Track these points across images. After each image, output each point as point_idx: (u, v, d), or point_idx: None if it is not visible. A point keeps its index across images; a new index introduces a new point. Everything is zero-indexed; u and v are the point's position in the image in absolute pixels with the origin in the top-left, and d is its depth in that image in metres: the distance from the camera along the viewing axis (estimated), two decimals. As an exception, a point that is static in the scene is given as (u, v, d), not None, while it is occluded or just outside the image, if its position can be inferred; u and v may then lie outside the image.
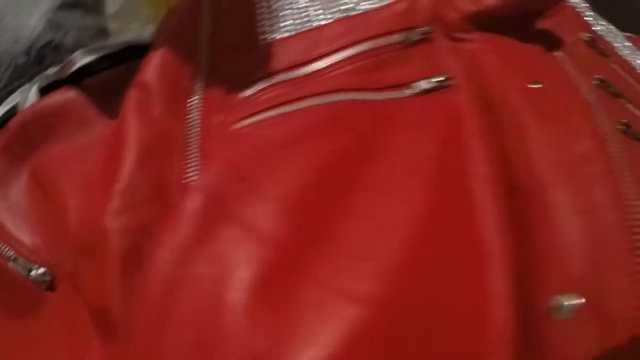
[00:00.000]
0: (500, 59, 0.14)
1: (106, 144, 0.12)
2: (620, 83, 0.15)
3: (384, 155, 0.10)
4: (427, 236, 0.09)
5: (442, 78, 0.13)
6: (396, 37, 0.14)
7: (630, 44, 0.20)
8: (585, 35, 0.16)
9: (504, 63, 0.13)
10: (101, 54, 0.14)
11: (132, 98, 0.13)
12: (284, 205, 0.09)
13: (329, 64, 0.13)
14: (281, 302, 0.08)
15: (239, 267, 0.08)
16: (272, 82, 0.13)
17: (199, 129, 0.12)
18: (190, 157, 0.11)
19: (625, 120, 0.13)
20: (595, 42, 0.16)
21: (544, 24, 0.16)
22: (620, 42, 0.19)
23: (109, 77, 0.15)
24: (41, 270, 0.12)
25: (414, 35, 0.14)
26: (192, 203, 0.09)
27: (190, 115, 0.12)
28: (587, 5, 0.20)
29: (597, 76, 0.14)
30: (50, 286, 0.12)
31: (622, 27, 0.22)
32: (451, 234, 0.09)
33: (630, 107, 0.15)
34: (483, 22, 0.14)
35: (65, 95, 0.15)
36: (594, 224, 0.10)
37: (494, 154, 0.10)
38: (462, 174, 0.10)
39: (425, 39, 0.14)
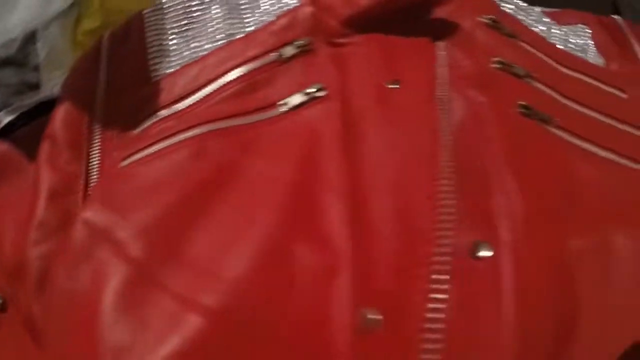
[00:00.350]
0: (367, 60, 0.15)
1: (27, 190, 0.15)
2: (527, 62, 0.16)
3: (239, 181, 0.12)
4: (270, 255, 0.10)
5: (314, 89, 0.14)
6: (272, 56, 0.15)
7: (548, 19, 0.21)
8: (486, 18, 0.17)
9: (369, 64, 0.15)
10: (19, 112, 0.17)
11: (43, 149, 0.15)
12: (144, 231, 0.11)
13: (207, 93, 0.15)
14: (139, 309, 0.10)
15: (109, 282, 0.11)
16: (159, 118, 0.15)
17: (98, 167, 0.15)
18: (85, 194, 0.14)
19: (525, 102, 0.14)
20: (500, 24, 0.17)
21: (439, 12, 0.17)
22: (535, 19, 0.20)
23: (32, 129, 0.17)
24: None
25: (290, 50, 0.15)
26: (77, 233, 0.12)
27: (92, 158, 0.15)
28: None
29: (496, 59, 0.16)
30: (2, 307, 0.15)
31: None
32: (297, 251, 0.11)
33: (537, 85, 0.16)
34: (363, 23, 0.16)
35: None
36: (406, 234, 0.10)
37: (345, 165, 0.12)
38: (314, 192, 0.12)
39: (305, 51, 0.15)
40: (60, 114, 0.16)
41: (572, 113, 0.16)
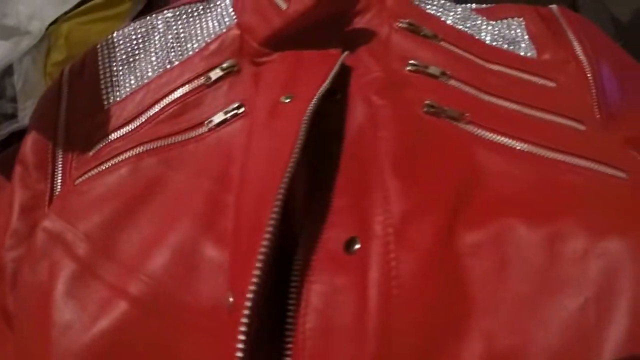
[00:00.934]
0: (275, 76, 0.18)
1: (3, 206, 0.19)
2: (445, 61, 0.19)
3: (162, 193, 0.16)
4: (183, 254, 0.14)
5: (235, 105, 0.18)
6: (201, 79, 0.19)
7: (478, 16, 0.23)
8: (403, 23, 0.20)
9: (274, 80, 0.17)
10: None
11: (17, 171, 0.19)
12: (87, 235, 0.15)
13: (149, 116, 0.19)
14: (81, 296, 0.14)
15: (60, 274, 0.14)
16: (110, 140, 0.19)
17: (60, 185, 0.18)
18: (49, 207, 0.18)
19: (429, 101, 0.17)
20: (418, 26, 0.20)
21: (359, 20, 0.20)
22: (461, 16, 0.23)
23: (7, 155, 0.21)
24: None
25: (218, 72, 0.19)
26: (37, 238, 0.16)
27: (55, 177, 0.19)
28: None
29: (411, 61, 0.18)
30: None
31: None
32: (206, 249, 0.14)
33: (452, 82, 0.18)
34: (280, 42, 0.19)
35: None
36: (249, 231, 0.12)
37: (239, 173, 0.15)
38: (225, 198, 0.15)
39: (233, 72, 0.19)
40: (29, 140, 0.19)
41: (489, 107, 0.18)
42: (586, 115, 0.19)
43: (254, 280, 0.10)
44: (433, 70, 0.18)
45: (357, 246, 0.12)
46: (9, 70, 0.27)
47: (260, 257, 0.10)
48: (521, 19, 0.24)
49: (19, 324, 0.15)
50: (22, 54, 0.25)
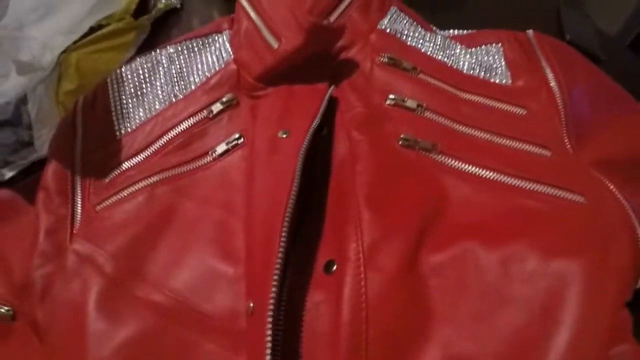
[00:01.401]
0: (270, 111, 0.21)
1: (29, 229, 0.22)
2: (422, 94, 0.22)
3: (176, 221, 0.19)
4: (199, 271, 0.18)
5: (235, 137, 0.21)
6: (204, 112, 0.23)
7: (457, 44, 0.26)
8: (384, 57, 0.23)
9: (270, 115, 0.21)
10: (19, 169, 0.24)
11: (40, 197, 0.23)
12: (114, 256, 0.19)
13: (158, 146, 0.23)
14: (111, 307, 0.17)
15: (91, 290, 0.18)
16: (123, 169, 0.22)
17: (80, 210, 0.22)
18: (74, 231, 0.21)
19: (404, 135, 0.20)
20: (399, 60, 0.23)
21: (345, 54, 0.24)
22: (441, 46, 0.26)
23: (29, 181, 0.25)
24: (6, 309, 0.22)
25: (219, 106, 0.23)
26: (69, 259, 0.19)
27: (75, 201, 0.22)
28: (411, 20, 0.27)
29: (391, 95, 0.22)
30: (13, 317, 0.22)
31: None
32: (218, 267, 0.18)
33: (428, 115, 0.22)
34: (272, 78, 0.22)
35: (1, 194, 0.25)
36: (261, 257, 0.16)
37: (246, 201, 0.18)
38: (232, 223, 0.18)
39: (231, 105, 0.23)
40: (50, 169, 0.23)
41: (461, 137, 0.21)
42: (554, 140, 0.22)
43: (274, 289, 0.14)
44: (410, 103, 0.22)
45: (335, 268, 0.16)
46: (23, 99, 0.30)
47: (277, 271, 0.14)
48: (499, 45, 0.27)
49: (52, 334, 0.18)
50: (36, 84, 0.29)
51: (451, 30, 0.30)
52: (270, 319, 0.13)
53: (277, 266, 0.14)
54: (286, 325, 0.15)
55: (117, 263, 0.18)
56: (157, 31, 0.34)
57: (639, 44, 0.88)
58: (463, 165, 0.20)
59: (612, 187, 0.20)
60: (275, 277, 0.14)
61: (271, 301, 0.13)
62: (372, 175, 0.18)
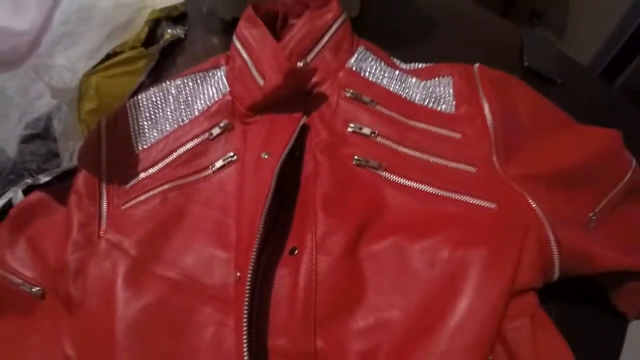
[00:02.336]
0: (257, 135, 0.31)
1: (63, 223, 0.31)
2: (376, 122, 0.31)
3: (185, 219, 0.29)
4: (202, 257, 0.26)
5: (230, 155, 0.31)
6: (206, 134, 0.32)
7: (412, 77, 0.36)
8: (348, 92, 0.33)
9: (256, 139, 0.30)
10: (53, 176, 0.33)
11: (72, 199, 0.32)
12: (137, 243, 0.28)
13: (168, 161, 0.32)
14: (135, 282, 0.26)
15: (119, 268, 0.27)
16: (140, 178, 0.31)
17: (106, 208, 0.30)
18: (101, 225, 0.30)
19: (358, 157, 0.29)
20: (360, 95, 0.33)
21: (318, 88, 0.33)
22: (398, 79, 0.35)
23: (61, 186, 0.34)
24: (38, 289, 0.30)
25: (217, 130, 0.32)
26: (102, 245, 0.28)
27: (101, 202, 0.31)
28: (375, 57, 0.37)
29: (352, 124, 0.31)
30: (42, 296, 0.31)
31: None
32: (217, 254, 0.26)
33: (379, 139, 0.31)
34: (260, 108, 0.32)
35: (38, 195, 0.34)
36: (246, 241, 0.25)
37: (237, 205, 0.28)
38: (227, 222, 0.27)
39: (227, 129, 0.32)
40: (80, 176, 0.32)
41: (404, 158, 0.30)
42: (481, 159, 0.31)
43: (252, 263, 0.22)
44: (365, 130, 0.31)
45: (296, 252, 0.25)
46: (50, 115, 0.39)
47: (255, 251, 0.23)
48: (450, 77, 0.36)
49: (85, 302, 0.27)
50: (62, 103, 0.38)
51: (414, 64, 0.39)
52: (249, 283, 0.22)
53: (255, 248, 0.23)
54: (260, 290, 0.24)
55: (139, 248, 0.27)
56: (164, 58, 0.43)
57: (609, 71, 0.99)
58: (401, 180, 0.29)
59: (527, 196, 0.29)
60: (254, 255, 0.23)
61: (249, 270, 0.22)
62: (327, 187, 0.27)
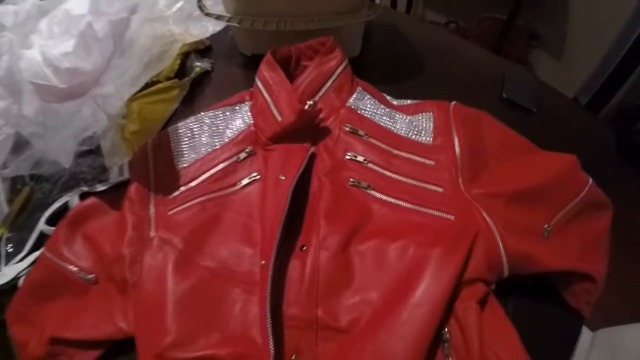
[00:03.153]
0: (275, 160, 0.44)
1: (117, 223, 0.43)
2: (369, 151, 0.44)
3: (220, 223, 0.41)
4: (233, 250, 0.39)
5: (254, 174, 0.44)
6: (234, 158, 0.45)
7: (399, 112, 0.49)
8: (347, 127, 0.46)
9: (275, 162, 0.44)
10: (110, 185, 0.45)
11: (126, 204, 0.44)
12: (183, 239, 0.40)
13: (204, 178, 0.45)
14: (182, 270, 0.38)
15: (170, 259, 0.39)
16: (181, 191, 0.44)
17: (153, 214, 0.43)
18: (151, 226, 0.42)
19: (352, 179, 0.42)
20: (356, 129, 0.46)
21: (324, 123, 0.46)
22: (387, 114, 0.48)
23: (115, 192, 0.46)
24: (91, 276, 0.43)
25: (243, 154, 0.46)
26: (155, 241, 0.40)
27: (150, 208, 0.43)
28: (370, 96, 0.49)
29: (349, 153, 0.44)
30: (96, 282, 0.43)
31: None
32: (246, 250, 0.39)
33: (370, 165, 0.44)
34: (279, 138, 0.45)
35: (92, 200, 0.46)
36: (268, 240, 0.37)
37: (261, 213, 0.41)
38: (253, 226, 0.40)
39: (251, 154, 0.46)
40: (133, 186, 0.44)
41: (387, 179, 0.43)
42: (448, 181, 0.43)
43: (274, 256, 0.34)
44: (360, 158, 0.43)
45: (305, 248, 0.37)
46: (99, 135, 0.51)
47: (275, 247, 0.35)
48: (431, 113, 0.48)
49: (140, 286, 0.39)
50: (110, 125, 0.50)
51: (404, 101, 0.51)
52: (271, 268, 0.34)
53: (276, 244, 0.35)
54: (278, 274, 0.35)
55: (185, 243, 0.39)
56: (194, 88, 0.55)
57: (594, 103, 1.12)
58: (385, 197, 0.41)
59: (482, 210, 0.40)
60: (275, 249, 0.34)
61: (272, 259, 0.34)
62: (328, 202, 0.40)
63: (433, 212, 0.40)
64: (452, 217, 0.40)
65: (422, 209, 0.40)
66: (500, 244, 0.38)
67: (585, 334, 0.84)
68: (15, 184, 0.60)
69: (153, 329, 0.37)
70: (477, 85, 0.61)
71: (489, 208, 0.40)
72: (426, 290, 0.34)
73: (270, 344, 0.32)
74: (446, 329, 0.34)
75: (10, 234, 0.57)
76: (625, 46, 1.09)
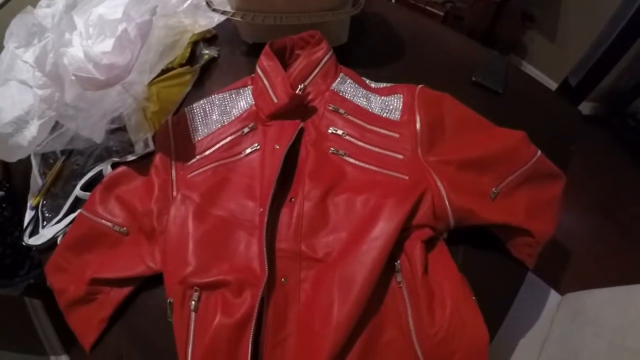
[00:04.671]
0: (272, 133, 0.59)
1: (145, 186, 0.58)
2: (346, 126, 0.59)
3: (229, 183, 0.57)
4: (239, 204, 0.54)
5: (255, 145, 0.59)
6: (239, 132, 0.61)
7: (374, 94, 0.63)
8: (331, 106, 0.61)
9: (272, 135, 0.59)
10: (137, 156, 0.60)
11: (152, 170, 0.60)
12: (200, 195, 0.55)
13: (215, 148, 0.61)
14: (200, 218, 0.53)
15: (190, 210, 0.54)
16: (197, 159, 0.59)
17: (175, 177, 0.57)
18: (173, 187, 0.57)
19: (333, 148, 0.57)
20: (338, 108, 0.61)
21: (311, 103, 0.60)
22: (363, 95, 0.63)
23: (141, 161, 0.60)
24: (124, 229, 0.58)
25: (247, 129, 0.61)
26: (179, 197, 0.55)
27: (172, 173, 0.58)
28: (351, 81, 0.63)
29: (331, 128, 0.59)
30: (127, 233, 0.58)
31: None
32: (248, 203, 0.55)
33: (347, 137, 0.59)
34: (275, 115, 0.60)
35: (123, 168, 0.61)
36: (264, 193, 0.52)
37: (261, 175, 0.56)
38: (254, 184, 0.56)
39: (253, 128, 0.61)
40: (157, 156, 0.60)
41: (360, 149, 0.58)
42: (409, 150, 0.57)
43: (269, 203, 0.49)
44: (339, 132, 0.57)
45: (293, 199, 0.52)
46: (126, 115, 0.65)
47: (270, 197, 0.50)
48: (401, 95, 0.61)
49: (167, 232, 0.54)
50: (135, 106, 0.63)
51: (381, 83, 0.63)
52: (267, 214, 0.49)
53: (270, 196, 0.50)
54: (273, 219, 0.50)
55: (201, 198, 0.54)
56: (204, 72, 0.68)
57: (583, 85, 1.22)
58: (356, 162, 0.55)
59: (432, 173, 0.54)
60: (269, 200, 0.49)
61: (267, 207, 0.49)
62: (312, 166, 0.54)
63: (392, 173, 0.54)
64: (406, 177, 0.54)
65: (384, 171, 0.54)
66: (445, 199, 0.51)
67: (554, 297, 0.97)
68: (47, 160, 0.75)
69: (177, 262, 0.51)
70: (451, 69, 0.73)
71: (440, 172, 0.54)
72: (381, 229, 0.48)
73: (266, 269, 0.46)
74: (398, 262, 0.48)
75: (45, 202, 0.71)
76: (615, 29, 1.18)
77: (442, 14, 1.36)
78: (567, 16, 1.33)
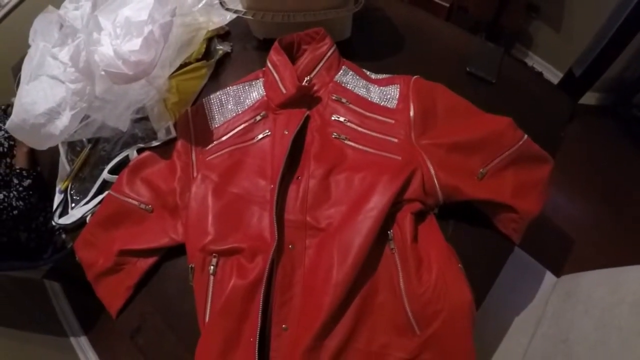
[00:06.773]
0: (281, 121, 0.70)
1: (168, 168, 0.69)
2: (348, 114, 0.70)
3: (244, 165, 0.68)
4: (253, 182, 0.66)
5: (266, 131, 0.70)
6: (252, 120, 0.72)
7: (373, 85, 0.74)
8: (334, 96, 0.72)
9: (281, 122, 0.70)
10: (160, 142, 0.70)
11: (174, 154, 0.72)
12: (218, 175, 0.66)
13: (230, 134, 0.72)
14: (218, 195, 0.64)
15: (209, 187, 0.65)
16: (214, 144, 0.70)
17: (195, 160, 0.68)
18: (194, 168, 0.68)
19: (335, 134, 0.68)
20: (340, 97, 0.72)
21: (316, 93, 0.70)
22: (363, 85, 0.74)
23: (164, 147, 0.70)
24: (149, 206, 0.70)
25: (259, 117, 0.73)
26: (199, 177, 0.66)
27: (192, 156, 0.69)
28: (353, 73, 0.72)
29: (334, 115, 0.70)
30: (152, 211, 0.69)
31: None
32: (260, 182, 0.66)
33: (348, 124, 0.70)
34: (284, 105, 0.71)
35: (147, 153, 0.73)
36: (274, 170, 0.63)
37: (272, 157, 0.67)
38: (266, 166, 0.67)
39: (265, 116, 0.72)
40: (179, 142, 0.71)
41: (360, 134, 0.68)
42: (403, 135, 0.67)
43: (278, 181, 0.60)
44: (342, 119, 0.68)
45: (300, 178, 0.63)
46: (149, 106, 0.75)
47: (280, 175, 0.61)
48: (398, 85, 0.71)
49: (189, 208, 0.65)
50: (158, 98, 0.73)
51: (381, 75, 0.73)
52: (277, 190, 0.59)
53: (280, 175, 0.60)
54: (283, 194, 0.61)
55: (219, 178, 0.65)
56: (218, 66, 0.78)
57: (587, 75, 1.28)
58: (356, 145, 0.66)
59: (423, 154, 0.64)
60: (279, 177, 0.60)
61: (277, 183, 0.59)
62: (317, 149, 0.65)
63: (387, 154, 0.64)
64: (399, 158, 0.64)
65: (380, 153, 0.65)
66: (434, 177, 0.61)
67: (550, 279, 1.05)
68: (74, 148, 0.86)
69: (198, 232, 0.62)
70: (447, 61, 0.82)
71: (431, 153, 0.64)
72: (375, 201, 0.58)
73: (275, 237, 0.56)
74: (391, 231, 0.57)
75: (73, 185, 0.82)
76: (618, 20, 1.24)
77: (447, 5, 1.43)
78: (571, 6, 1.39)
